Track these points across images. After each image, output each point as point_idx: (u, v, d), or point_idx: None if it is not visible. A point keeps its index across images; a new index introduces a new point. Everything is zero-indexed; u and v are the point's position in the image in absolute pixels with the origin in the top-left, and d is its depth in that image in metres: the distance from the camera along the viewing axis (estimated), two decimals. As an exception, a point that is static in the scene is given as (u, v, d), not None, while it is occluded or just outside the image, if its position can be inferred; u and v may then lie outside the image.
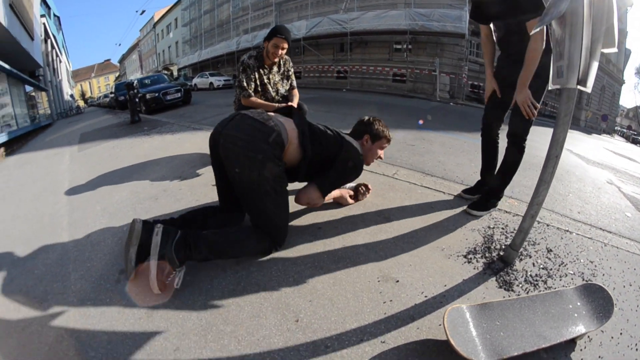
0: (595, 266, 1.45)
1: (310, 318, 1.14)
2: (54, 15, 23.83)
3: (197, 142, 3.78)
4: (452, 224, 1.71)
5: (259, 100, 2.51)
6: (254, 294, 1.27)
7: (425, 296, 1.21)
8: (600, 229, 1.90)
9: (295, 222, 1.75)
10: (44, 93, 15.23)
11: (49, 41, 19.15)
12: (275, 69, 2.60)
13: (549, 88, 1.30)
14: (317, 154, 1.52)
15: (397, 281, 1.29)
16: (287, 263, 1.42)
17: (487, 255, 1.46)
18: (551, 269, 1.39)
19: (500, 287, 1.27)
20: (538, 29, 1.42)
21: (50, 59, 19.41)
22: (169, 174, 2.73)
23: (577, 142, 6.84)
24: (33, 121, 10.55)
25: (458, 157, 3.25)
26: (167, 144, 4.04)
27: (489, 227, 1.69)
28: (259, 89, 2.56)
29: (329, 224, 1.73)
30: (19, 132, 8.29)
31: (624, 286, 1.34)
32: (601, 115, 20.54)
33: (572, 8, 1.03)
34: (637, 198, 2.92)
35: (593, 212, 2.23)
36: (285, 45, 2.43)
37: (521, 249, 1.46)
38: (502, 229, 1.68)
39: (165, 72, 24.67)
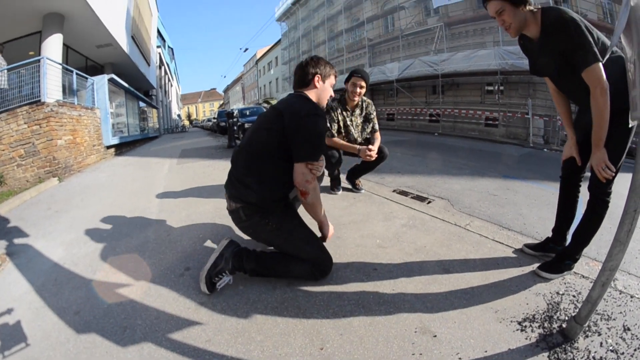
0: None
1: (334, 350, 1.20)
2: (169, 46, 30.23)
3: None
4: (515, 285, 1.58)
5: (341, 141, 2.80)
6: (292, 314, 1.40)
7: (460, 358, 1.15)
8: None
9: (353, 259, 1.86)
10: (154, 110, 18.74)
11: (162, 67, 24.15)
12: (357, 111, 2.88)
13: (630, 125, 1.17)
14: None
15: (435, 336, 1.26)
16: (332, 296, 1.52)
17: (545, 325, 1.30)
18: (623, 353, 1.16)
19: (551, 365, 1.12)
20: (593, 74, 1.31)
21: (163, 82, 24.36)
22: (253, 197, 3.13)
23: None
24: (142, 131, 12.97)
25: (542, 211, 3.00)
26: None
27: (557, 293, 1.51)
28: (342, 131, 2.85)
29: (385, 267, 1.77)
30: (128, 139, 10.27)
31: None
32: None
33: (635, 17, 0.90)
34: None
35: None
36: (363, 84, 2.69)
37: (589, 323, 1.27)
38: (573, 296, 1.49)
39: (266, 104, 27.72)
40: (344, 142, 2.78)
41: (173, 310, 1.45)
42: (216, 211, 2.78)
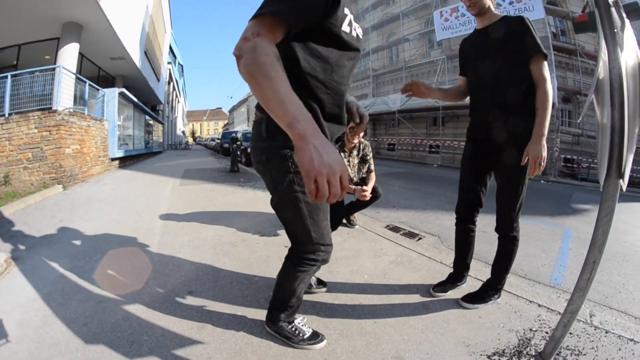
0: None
1: (319, 372, 1.36)
2: (179, 63, 31.28)
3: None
4: (490, 321, 1.72)
5: None
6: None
7: (429, 386, 1.30)
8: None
9: (341, 293, 2.00)
10: (160, 125, 19.17)
11: (171, 83, 24.93)
12: (354, 152, 3.11)
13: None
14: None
15: (409, 365, 1.41)
16: (320, 326, 1.66)
17: (514, 359, 1.44)
18: (589, 389, 1.29)
19: (514, 401, 1.26)
20: (545, 68, 1.49)
21: (170, 98, 25.02)
22: (252, 228, 3.28)
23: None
24: (146, 146, 13.29)
25: (529, 247, 3.13)
26: (257, 199, 4.73)
27: (530, 330, 1.64)
28: None
29: (370, 301, 1.92)
30: (133, 153, 10.53)
31: None
32: None
33: (601, 88, 1.01)
34: None
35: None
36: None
37: (559, 358, 1.41)
38: (546, 332, 1.62)
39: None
40: None
41: (177, 329, 1.61)
42: (217, 238, 2.94)
